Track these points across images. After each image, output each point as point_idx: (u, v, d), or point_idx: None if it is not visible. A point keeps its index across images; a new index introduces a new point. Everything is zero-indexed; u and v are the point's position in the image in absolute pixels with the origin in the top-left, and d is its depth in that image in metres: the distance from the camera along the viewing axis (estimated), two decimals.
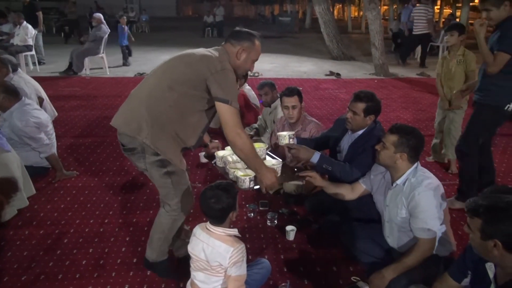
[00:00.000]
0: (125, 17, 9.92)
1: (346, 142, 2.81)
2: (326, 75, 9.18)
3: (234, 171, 2.56)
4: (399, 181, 2.23)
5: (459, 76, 3.85)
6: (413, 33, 9.71)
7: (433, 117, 5.93)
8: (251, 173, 2.38)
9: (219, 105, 2.01)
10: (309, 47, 14.08)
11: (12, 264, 2.52)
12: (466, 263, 1.74)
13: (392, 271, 2.10)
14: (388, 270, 2.11)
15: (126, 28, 9.88)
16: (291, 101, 3.22)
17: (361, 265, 2.50)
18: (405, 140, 2.18)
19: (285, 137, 2.77)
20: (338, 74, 9.08)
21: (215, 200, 1.88)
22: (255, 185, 2.43)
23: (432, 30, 9.64)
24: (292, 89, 3.28)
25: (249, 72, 2.90)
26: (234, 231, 1.96)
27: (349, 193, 2.56)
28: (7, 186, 3.01)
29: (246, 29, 2.23)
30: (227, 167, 2.69)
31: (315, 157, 2.67)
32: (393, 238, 2.33)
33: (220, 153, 2.87)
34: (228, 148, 2.81)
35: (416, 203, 2.11)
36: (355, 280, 2.39)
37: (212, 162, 2.98)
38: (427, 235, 2.10)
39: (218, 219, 1.94)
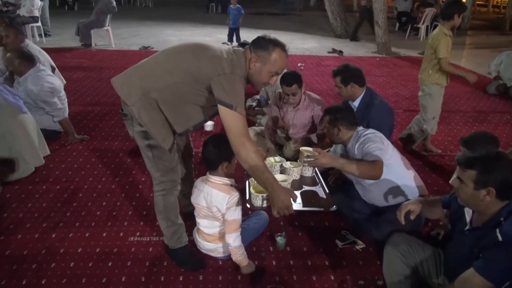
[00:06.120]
0: None
1: None
2: (329, 52, 9.27)
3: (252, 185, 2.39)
4: (348, 146, 2.55)
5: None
6: None
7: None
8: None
9: (222, 109, 1.88)
10: (313, 25, 14.03)
11: (33, 213, 2.77)
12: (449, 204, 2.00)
13: (339, 162, 2.35)
14: (336, 159, 2.37)
15: None
16: (291, 90, 3.19)
17: (350, 221, 2.73)
18: (333, 117, 2.53)
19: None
20: (340, 52, 9.17)
21: (213, 144, 2.11)
22: (268, 205, 2.20)
23: None
24: (290, 78, 3.14)
25: None
26: (231, 181, 2.19)
27: None
28: (25, 144, 3.24)
29: (270, 37, 2.00)
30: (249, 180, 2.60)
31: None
32: (369, 197, 2.59)
33: None
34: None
35: (362, 144, 2.39)
36: (344, 233, 2.63)
37: None
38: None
39: (211, 164, 2.15)
